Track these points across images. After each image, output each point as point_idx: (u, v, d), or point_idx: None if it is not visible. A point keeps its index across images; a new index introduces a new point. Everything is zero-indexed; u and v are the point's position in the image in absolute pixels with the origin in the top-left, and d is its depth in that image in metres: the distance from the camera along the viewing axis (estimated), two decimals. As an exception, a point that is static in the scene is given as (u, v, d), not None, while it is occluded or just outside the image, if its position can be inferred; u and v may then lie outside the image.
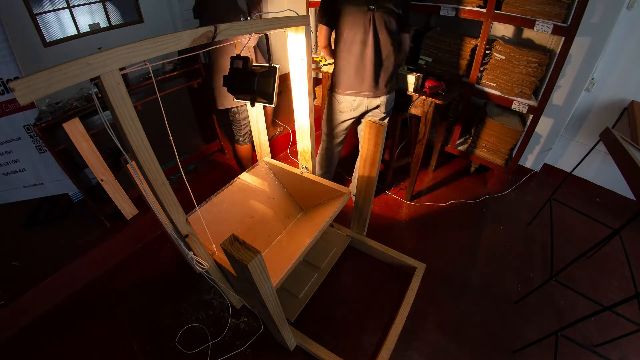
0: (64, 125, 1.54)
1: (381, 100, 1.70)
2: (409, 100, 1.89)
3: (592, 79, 2.01)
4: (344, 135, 1.90)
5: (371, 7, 1.50)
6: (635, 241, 1.84)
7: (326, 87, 1.87)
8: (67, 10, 3.50)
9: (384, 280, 1.71)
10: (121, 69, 0.74)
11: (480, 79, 2.08)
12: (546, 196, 1.93)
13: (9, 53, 1.53)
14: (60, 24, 3.51)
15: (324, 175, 2.07)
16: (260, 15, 1.85)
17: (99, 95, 0.74)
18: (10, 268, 1.70)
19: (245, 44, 1.70)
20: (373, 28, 1.53)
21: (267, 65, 1.33)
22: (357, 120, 1.88)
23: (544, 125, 2.22)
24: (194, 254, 1.16)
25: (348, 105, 1.71)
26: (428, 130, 1.87)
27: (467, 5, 1.86)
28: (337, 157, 2.03)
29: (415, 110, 1.89)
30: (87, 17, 3.68)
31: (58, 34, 3.48)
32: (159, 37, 0.78)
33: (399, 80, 1.84)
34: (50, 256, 1.75)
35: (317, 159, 2.02)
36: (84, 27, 3.67)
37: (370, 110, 1.75)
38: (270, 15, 1.15)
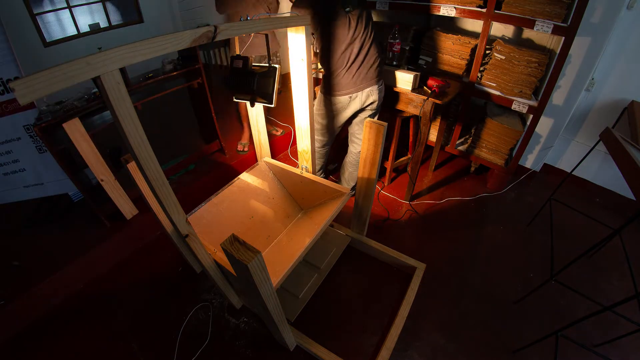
0: (64, 125, 1.54)
1: (373, 97, 1.75)
2: (397, 96, 1.94)
3: (592, 79, 2.01)
4: (335, 135, 1.96)
5: (347, 9, 1.55)
6: (635, 241, 1.84)
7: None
8: (67, 10, 3.50)
9: (384, 280, 1.71)
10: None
11: (480, 79, 2.08)
12: (546, 196, 1.93)
13: (9, 53, 1.53)
14: (60, 24, 3.51)
15: (319, 174, 2.12)
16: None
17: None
18: (10, 268, 1.70)
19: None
20: (354, 28, 1.58)
21: (267, 65, 1.33)
22: (349, 119, 1.92)
23: (544, 125, 2.22)
24: (193, 254, 1.16)
25: (343, 106, 1.76)
26: (428, 131, 1.88)
27: (467, 5, 1.85)
28: (328, 155, 2.10)
29: (415, 110, 1.89)
30: (87, 17, 3.68)
31: (58, 34, 3.49)
32: (159, 37, 0.78)
33: (389, 78, 1.88)
34: (50, 256, 1.75)
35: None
36: (84, 27, 3.67)
37: (365, 107, 1.80)
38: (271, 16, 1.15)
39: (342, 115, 1.80)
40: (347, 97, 1.71)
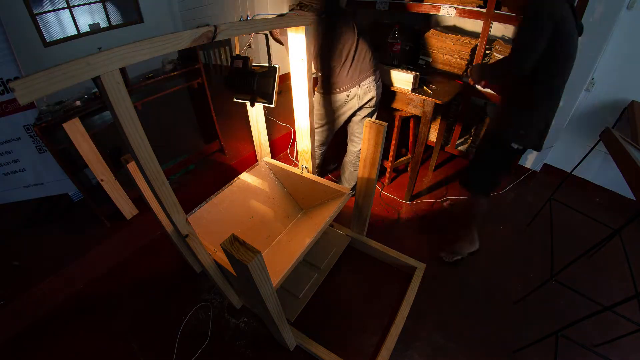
0: (64, 125, 1.54)
1: (371, 94, 1.76)
2: (396, 96, 1.95)
3: (592, 79, 2.01)
4: (332, 136, 1.97)
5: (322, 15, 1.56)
6: (635, 241, 1.83)
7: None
8: (67, 10, 3.50)
9: (384, 280, 1.71)
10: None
11: (480, 79, 2.08)
12: (546, 196, 1.93)
13: (9, 53, 1.53)
14: (60, 24, 3.51)
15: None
16: None
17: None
18: (10, 268, 1.70)
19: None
20: (342, 26, 1.59)
21: (267, 65, 1.34)
22: (348, 118, 1.93)
23: (544, 125, 2.22)
24: (193, 254, 1.16)
25: (341, 104, 1.77)
26: (428, 131, 1.88)
27: (467, 5, 1.85)
28: (324, 156, 2.13)
29: (415, 110, 1.89)
30: (87, 17, 3.68)
31: (58, 34, 3.49)
32: (159, 37, 0.78)
33: (388, 77, 1.88)
34: (50, 256, 1.75)
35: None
36: (84, 27, 3.67)
37: (364, 105, 1.80)
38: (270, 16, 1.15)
39: (340, 113, 1.80)
40: (344, 94, 1.71)
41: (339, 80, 1.68)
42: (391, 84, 1.89)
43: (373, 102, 1.80)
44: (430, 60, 2.23)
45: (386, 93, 1.92)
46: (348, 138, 2.06)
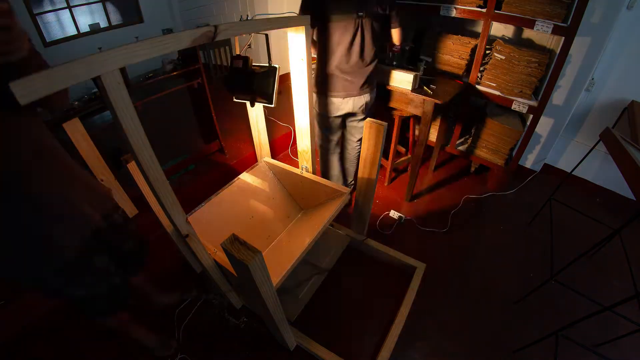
0: (64, 125, 1.54)
1: (365, 99, 1.73)
2: (396, 96, 1.94)
3: (592, 79, 2.01)
4: (337, 135, 1.93)
5: (360, 13, 1.52)
6: (635, 241, 1.83)
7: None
8: (67, 10, 3.50)
9: (384, 280, 1.71)
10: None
11: (480, 79, 2.08)
12: (546, 196, 1.93)
13: (9, 53, 1.53)
14: (60, 24, 3.52)
15: (336, 175, 2.08)
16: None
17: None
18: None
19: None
20: (361, 33, 1.55)
21: (267, 65, 1.34)
22: (343, 121, 1.90)
23: (544, 125, 2.22)
24: (194, 254, 1.16)
25: (335, 107, 1.74)
26: (428, 131, 1.88)
27: (467, 5, 1.86)
28: (338, 158, 2.04)
29: (415, 110, 1.89)
30: (87, 17, 3.69)
31: (58, 34, 3.50)
32: (158, 37, 0.78)
33: (388, 77, 1.88)
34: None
35: (322, 164, 2.04)
36: (84, 27, 3.67)
37: (356, 110, 1.77)
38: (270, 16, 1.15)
39: (333, 114, 1.79)
40: (339, 99, 1.70)
41: (342, 86, 1.66)
42: (392, 85, 1.89)
43: (364, 107, 1.78)
44: (431, 60, 2.23)
45: (386, 93, 1.92)
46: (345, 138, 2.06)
